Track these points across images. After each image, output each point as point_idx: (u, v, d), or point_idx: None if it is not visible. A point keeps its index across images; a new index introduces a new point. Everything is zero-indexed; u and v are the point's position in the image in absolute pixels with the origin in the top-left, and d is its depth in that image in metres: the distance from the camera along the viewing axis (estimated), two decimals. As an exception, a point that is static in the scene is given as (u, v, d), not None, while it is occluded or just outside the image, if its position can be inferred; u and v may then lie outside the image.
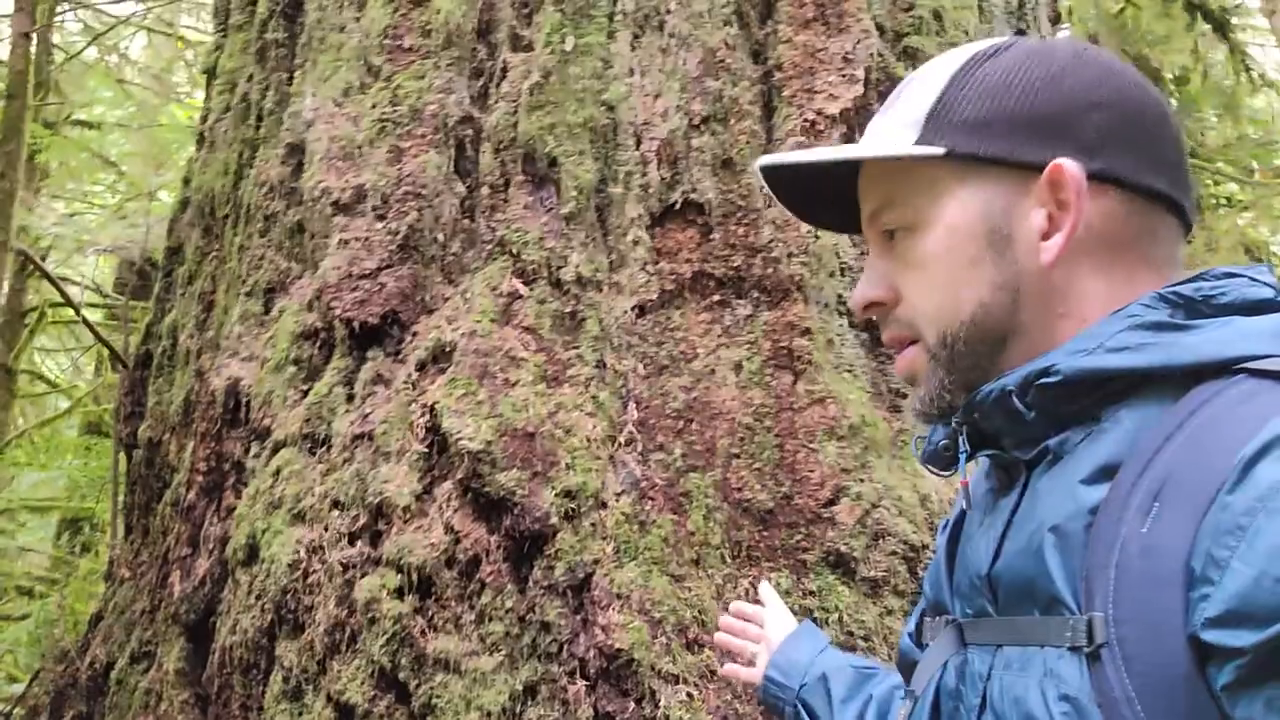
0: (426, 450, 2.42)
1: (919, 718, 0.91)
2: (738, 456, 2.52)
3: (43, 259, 8.14)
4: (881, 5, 2.99)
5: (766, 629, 1.43)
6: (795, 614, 2.26)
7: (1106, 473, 0.76)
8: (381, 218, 2.69)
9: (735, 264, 2.68)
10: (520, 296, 2.58)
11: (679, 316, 2.67)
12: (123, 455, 4.07)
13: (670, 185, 2.74)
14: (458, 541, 2.29)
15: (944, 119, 0.88)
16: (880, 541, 2.41)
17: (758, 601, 1.51)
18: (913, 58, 2.96)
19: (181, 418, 3.26)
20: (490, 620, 2.23)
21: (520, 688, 2.17)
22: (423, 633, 2.24)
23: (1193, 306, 0.79)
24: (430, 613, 2.27)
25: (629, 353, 2.61)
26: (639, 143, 2.76)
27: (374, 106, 2.84)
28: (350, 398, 2.59)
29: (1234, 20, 9.48)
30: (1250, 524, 0.65)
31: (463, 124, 2.83)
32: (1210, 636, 0.65)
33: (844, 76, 2.78)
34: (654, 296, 2.67)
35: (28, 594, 7.01)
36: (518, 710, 2.15)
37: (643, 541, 2.35)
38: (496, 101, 2.82)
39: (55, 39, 8.92)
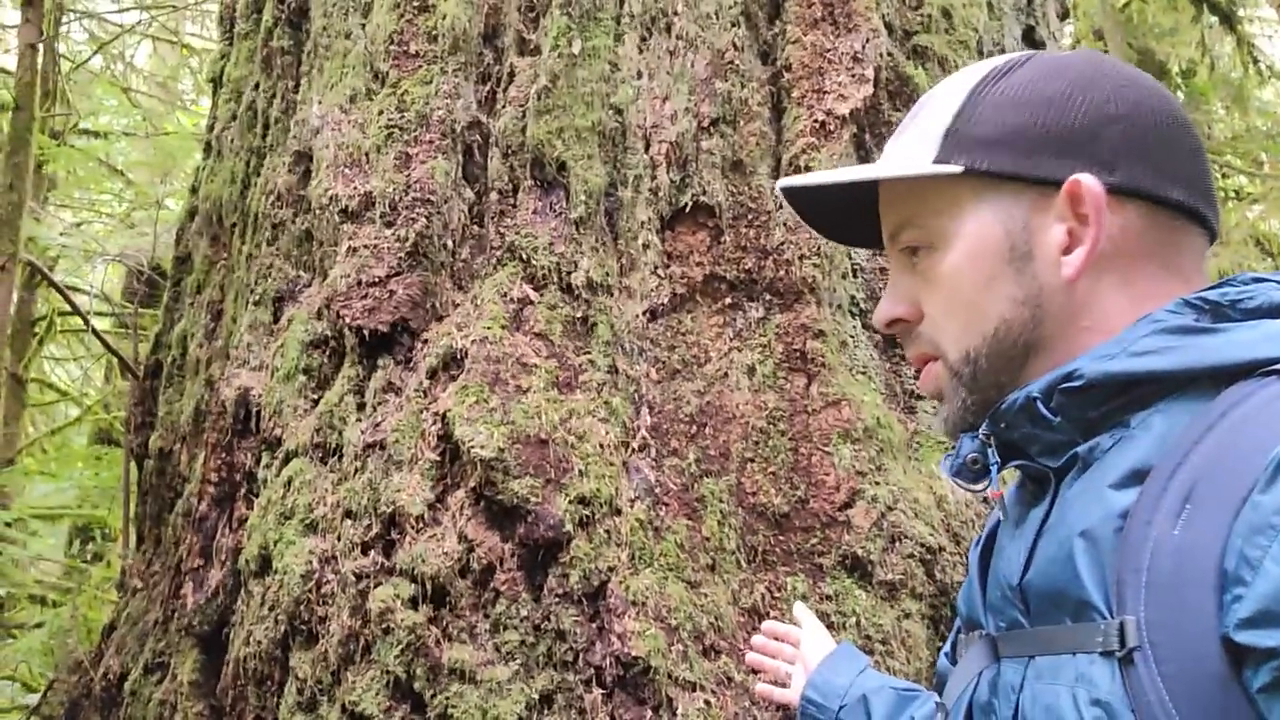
0: (439, 458, 2.40)
1: None
2: (752, 460, 2.50)
3: (51, 269, 8.15)
4: (890, 4, 2.97)
5: (802, 648, 1.42)
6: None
7: (1137, 477, 0.75)
8: (390, 225, 2.67)
9: (747, 266, 2.67)
10: (531, 302, 2.57)
11: (690, 320, 2.66)
12: (134, 465, 4.07)
13: (680, 188, 2.73)
14: (471, 550, 2.28)
15: (960, 137, 0.88)
16: (896, 544, 2.39)
17: (793, 621, 1.50)
18: (922, 56, 2.94)
19: (192, 427, 3.26)
20: (505, 629, 2.22)
21: (536, 697, 2.15)
22: (437, 642, 2.23)
23: (1219, 311, 0.78)
24: (445, 622, 2.25)
25: (641, 357, 2.59)
26: (648, 146, 2.75)
27: (381, 113, 2.83)
28: (361, 406, 2.58)
29: (1241, 11, 9.44)
30: None
31: (470, 129, 2.82)
32: (1243, 638, 0.65)
33: (853, 76, 2.76)
34: (665, 300, 2.66)
35: (40, 602, 7.03)
36: (534, 719, 2.14)
37: (658, 548, 2.34)
38: (504, 106, 2.80)
39: (61, 48, 8.94)
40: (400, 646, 2.21)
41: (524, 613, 2.22)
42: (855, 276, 2.77)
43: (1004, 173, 0.86)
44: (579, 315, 2.57)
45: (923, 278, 0.92)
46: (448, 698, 2.16)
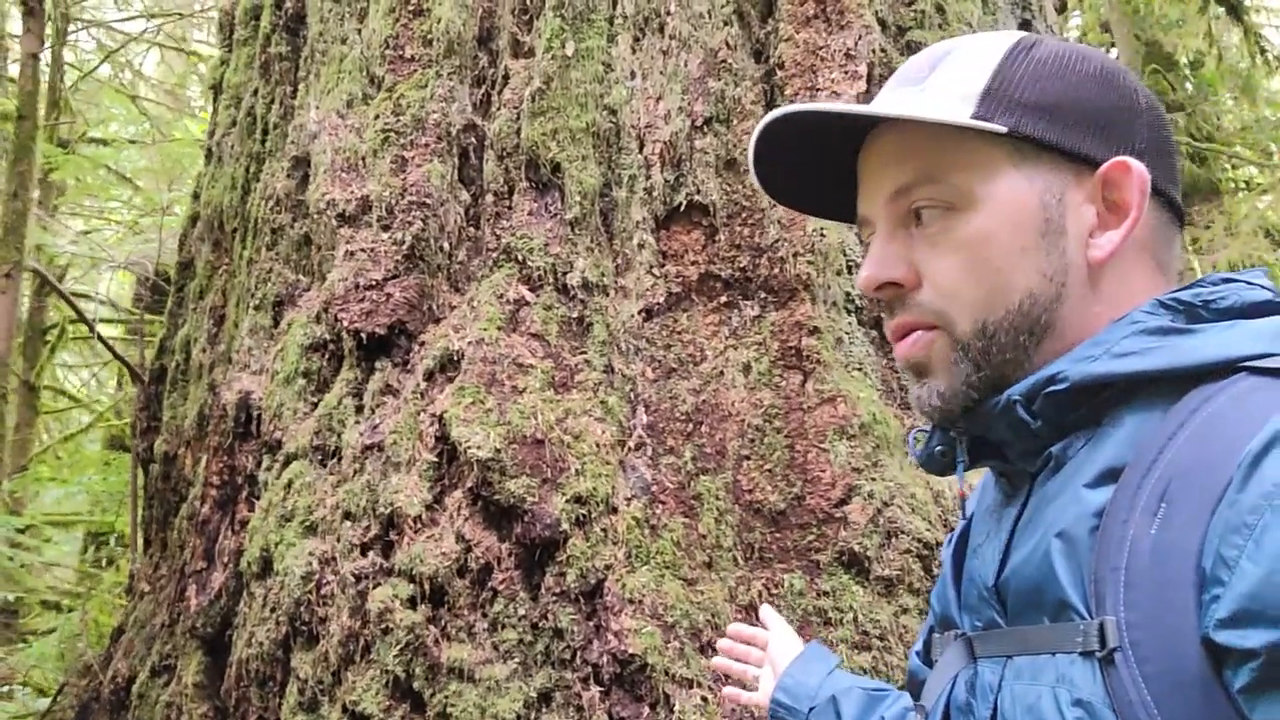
0: (436, 459, 2.42)
1: None
2: (748, 458, 2.51)
3: (61, 277, 8.21)
4: (883, 0, 2.97)
5: (770, 650, 1.41)
6: (809, 615, 2.25)
7: (1111, 475, 0.75)
8: (387, 228, 2.69)
9: (741, 265, 2.67)
10: (527, 303, 2.58)
11: (686, 319, 2.66)
12: (140, 470, 4.10)
13: (674, 187, 2.74)
14: (469, 550, 2.30)
15: (1001, 97, 0.84)
16: (893, 540, 2.40)
17: (760, 624, 1.49)
18: (915, 52, 2.94)
19: (195, 431, 3.28)
20: (503, 628, 2.23)
21: (534, 695, 2.17)
22: (436, 642, 2.24)
23: (1193, 311, 0.78)
24: (443, 622, 2.27)
25: (637, 357, 2.60)
26: (642, 146, 2.76)
27: (377, 117, 2.85)
28: (360, 409, 2.60)
29: (1248, 1, 9.39)
30: (1258, 522, 0.64)
31: (466, 132, 2.83)
32: (1222, 638, 0.64)
33: (846, 73, 2.76)
34: (661, 299, 2.67)
35: (54, 609, 7.08)
36: (532, 717, 2.15)
37: (654, 546, 2.35)
38: (499, 109, 2.82)
39: (69, 57, 9.00)
40: (399, 646, 2.23)
41: (521, 611, 2.24)
42: (850, 273, 2.78)
43: (1047, 141, 0.83)
44: (575, 315, 2.58)
45: (930, 241, 0.86)
46: (446, 696, 2.18)
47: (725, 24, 2.85)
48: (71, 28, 8.53)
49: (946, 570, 0.97)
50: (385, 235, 2.69)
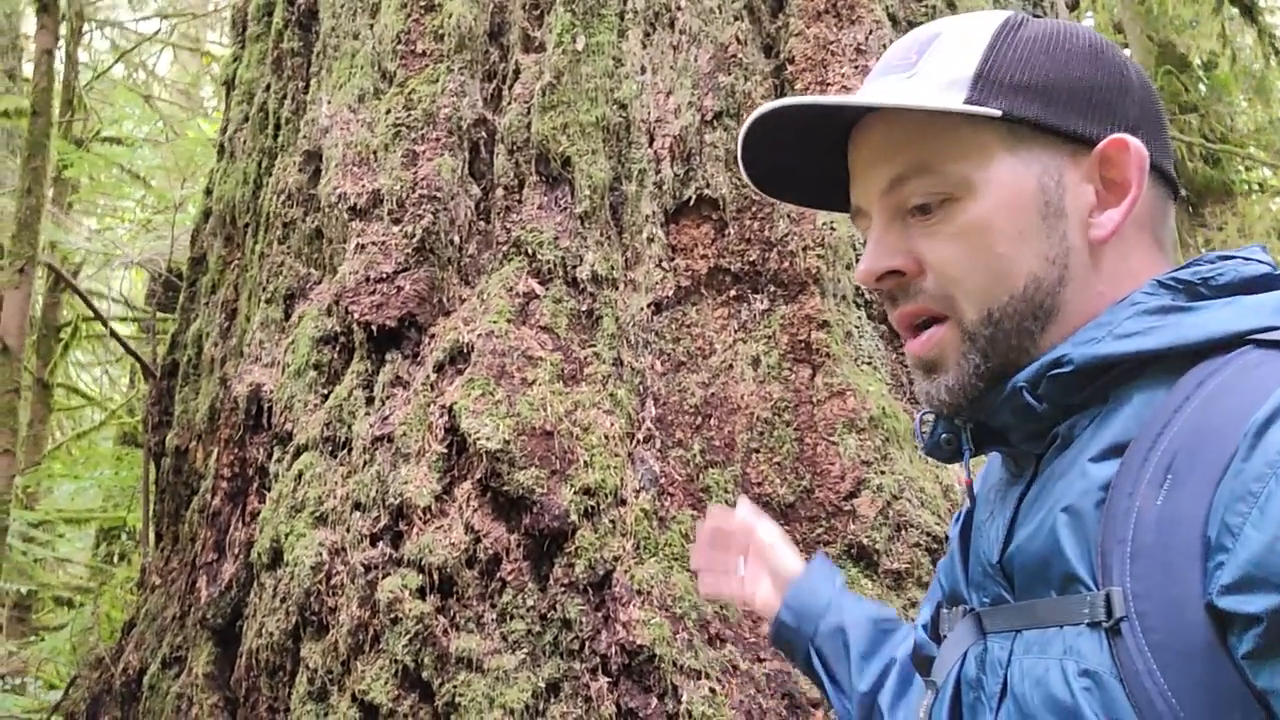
0: (446, 451, 2.43)
1: (940, 709, 0.90)
2: (757, 451, 2.51)
3: (75, 274, 8.26)
4: (893, -5, 2.98)
5: (756, 538, 1.35)
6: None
7: (1116, 450, 0.76)
8: (397, 221, 2.70)
9: (751, 258, 2.68)
10: (536, 296, 2.59)
11: (695, 312, 2.67)
12: (153, 464, 4.12)
13: (684, 181, 2.74)
14: (478, 541, 2.30)
15: (993, 80, 0.84)
16: (902, 533, 2.39)
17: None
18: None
19: (207, 425, 3.30)
20: (512, 618, 2.24)
21: (543, 685, 2.17)
22: (445, 632, 2.25)
23: (1192, 289, 0.79)
24: (452, 612, 2.28)
25: (646, 350, 2.61)
26: (652, 140, 2.76)
27: (388, 112, 2.86)
28: (370, 400, 2.61)
29: (1262, 2, 9.35)
30: (1262, 490, 0.65)
31: (476, 126, 2.84)
32: (1225, 603, 0.65)
33: (857, 68, 2.77)
34: (670, 293, 2.67)
35: (67, 604, 7.12)
36: (540, 708, 2.16)
37: (662, 537, 2.35)
38: (509, 103, 2.82)
39: (83, 57, 9.05)
40: (408, 636, 2.24)
41: (530, 602, 2.24)
42: (860, 267, 2.78)
43: (1043, 123, 0.83)
44: (584, 308, 2.59)
45: (929, 230, 0.86)
46: (455, 686, 2.18)
47: (735, 19, 2.85)
48: (86, 27, 8.59)
49: (954, 548, 0.98)
50: (396, 229, 2.70)
